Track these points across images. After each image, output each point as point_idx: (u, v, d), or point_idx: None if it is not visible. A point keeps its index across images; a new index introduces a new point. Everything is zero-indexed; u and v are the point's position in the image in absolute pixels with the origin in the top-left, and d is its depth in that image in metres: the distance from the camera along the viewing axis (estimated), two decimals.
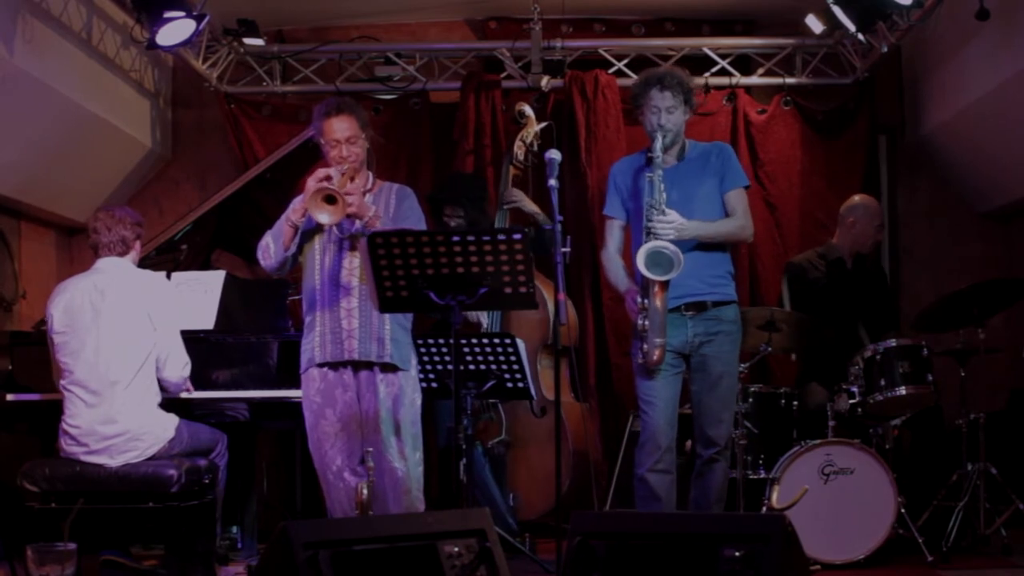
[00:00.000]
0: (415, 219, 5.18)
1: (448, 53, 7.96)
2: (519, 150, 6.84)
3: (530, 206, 6.72)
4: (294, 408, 5.30)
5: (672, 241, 5.15)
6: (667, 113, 5.27)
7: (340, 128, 5.08)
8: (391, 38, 8.02)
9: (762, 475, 6.06)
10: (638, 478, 5.27)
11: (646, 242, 5.16)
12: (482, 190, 6.91)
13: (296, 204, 5.05)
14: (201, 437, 5.38)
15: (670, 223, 5.18)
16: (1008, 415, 7.36)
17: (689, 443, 5.62)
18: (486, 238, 4.42)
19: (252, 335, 5.86)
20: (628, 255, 5.47)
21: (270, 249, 5.12)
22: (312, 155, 5.66)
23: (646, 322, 5.15)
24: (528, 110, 6.94)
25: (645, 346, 5.17)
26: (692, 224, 5.24)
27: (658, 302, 5.12)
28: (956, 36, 7.06)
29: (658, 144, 5.23)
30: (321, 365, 5.08)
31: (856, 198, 6.83)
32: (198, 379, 5.56)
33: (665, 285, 5.12)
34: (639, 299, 5.18)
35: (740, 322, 5.44)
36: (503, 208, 6.75)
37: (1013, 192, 7.51)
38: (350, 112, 5.13)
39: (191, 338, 5.53)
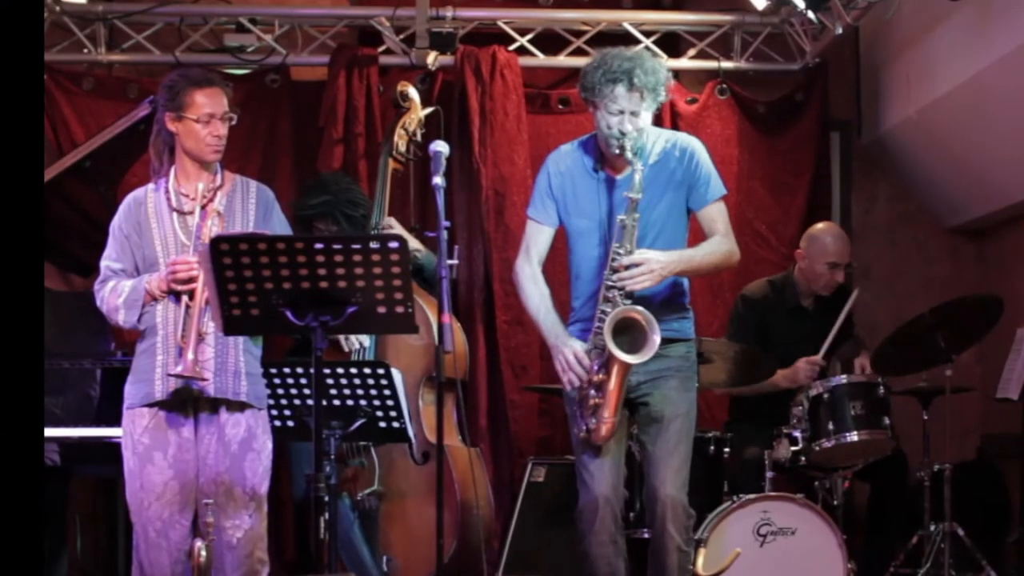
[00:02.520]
0: (283, 232, 5.19)
1: (314, 20, 7.97)
2: (400, 140, 6.83)
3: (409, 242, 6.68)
4: (117, 450, 5.26)
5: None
6: (632, 117, 5.05)
7: (216, 102, 5.07)
8: (245, 0, 8.01)
9: None
10: (580, 553, 5.26)
11: (607, 296, 5.00)
12: (360, 196, 6.82)
13: (156, 281, 5.01)
14: None
15: (647, 272, 4.95)
16: (978, 466, 7.54)
17: None
18: (356, 246, 4.42)
19: (66, 360, 5.80)
20: (558, 275, 5.40)
21: (120, 315, 5.06)
22: (143, 141, 5.62)
23: (599, 396, 5.01)
24: (412, 91, 6.96)
25: (593, 421, 5.05)
26: (672, 262, 5.02)
27: (617, 377, 4.97)
28: (923, 18, 7.21)
29: (637, 177, 4.97)
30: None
31: (816, 227, 6.93)
32: None
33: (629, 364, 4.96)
34: (592, 367, 5.01)
35: (694, 361, 5.34)
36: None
37: (987, 203, 7.67)
38: (221, 87, 5.13)
39: None
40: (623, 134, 5.02)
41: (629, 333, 4.94)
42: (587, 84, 5.13)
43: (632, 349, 4.92)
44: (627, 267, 4.97)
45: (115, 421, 5.36)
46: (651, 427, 5.18)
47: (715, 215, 5.23)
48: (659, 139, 5.26)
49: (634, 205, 5.00)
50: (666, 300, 5.21)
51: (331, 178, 6.96)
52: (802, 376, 6.48)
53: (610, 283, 5.01)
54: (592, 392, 5.03)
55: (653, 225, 5.14)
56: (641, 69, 5.03)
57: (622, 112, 5.04)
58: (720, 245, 5.19)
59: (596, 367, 5.02)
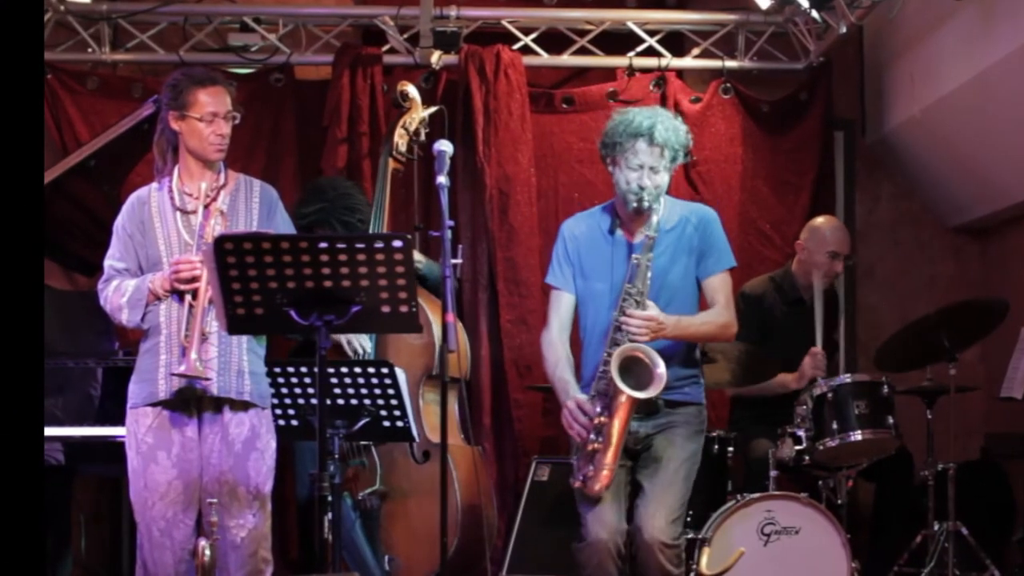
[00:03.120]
0: (286, 231, 5.19)
1: (318, 19, 7.96)
2: (401, 139, 6.81)
3: None
4: (120, 449, 5.26)
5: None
6: (651, 173, 5.11)
7: (219, 101, 5.08)
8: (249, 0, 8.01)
9: (690, 535, 6.11)
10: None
11: (616, 338, 5.03)
12: (357, 201, 6.79)
13: (160, 280, 5.01)
14: None
15: (646, 323, 5.00)
16: (982, 466, 7.53)
17: None
18: (360, 245, 4.42)
19: (70, 359, 5.80)
20: (575, 338, 5.40)
21: (123, 314, 5.07)
22: (147, 140, 5.63)
23: (600, 439, 5.01)
24: (412, 91, 6.94)
25: (591, 469, 5.04)
26: (671, 323, 5.07)
27: (619, 420, 4.97)
28: (927, 17, 7.21)
29: (654, 218, 5.06)
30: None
31: (817, 219, 6.97)
32: None
33: (634, 401, 4.97)
34: (597, 409, 5.02)
35: (704, 420, 5.36)
36: None
37: (991, 202, 7.67)
38: (225, 86, 5.15)
39: None
40: (641, 188, 5.08)
41: (633, 374, 4.95)
42: (608, 140, 5.22)
43: (637, 389, 4.94)
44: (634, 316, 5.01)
45: (119, 420, 5.37)
46: (649, 467, 5.20)
47: (718, 286, 5.29)
48: (675, 207, 5.34)
49: (650, 244, 5.06)
50: (679, 364, 5.24)
51: (327, 184, 6.90)
52: (808, 370, 6.49)
53: (618, 324, 5.05)
54: (592, 436, 5.03)
55: (667, 288, 5.20)
56: (663, 125, 5.12)
57: (641, 167, 5.10)
58: (718, 316, 5.26)
59: (599, 409, 5.03)
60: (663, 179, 5.14)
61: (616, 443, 5.01)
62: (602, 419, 5.00)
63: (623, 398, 4.94)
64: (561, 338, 5.33)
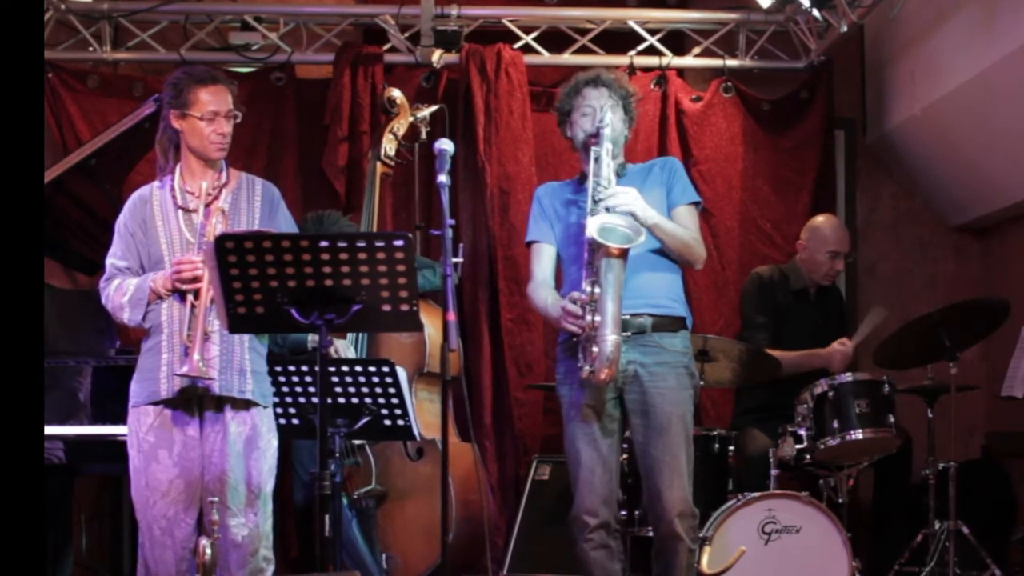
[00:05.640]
0: (288, 230, 5.19)
1: (319, 19, 7.96)
2: (389, 144, 6.83)
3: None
4: (122, 448, 5.26)
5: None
6: (603, 114, 5.19)
7: (220, 100, 5.08)
8: None
9: None
10: (575, 556, 5.26)
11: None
12: None
13: (161, 280, 5.00)
14: None
15: (627, 194, 5.06)
16: (982, 464, 7.53)
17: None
18: (360, 244, 4.42)
19: (70, 358, 5.80)
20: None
21: (124, 313, 5.06)
22: (148, 138, 5.63)
23: (596, 317, 4.92)
24: (399, 96, 6.95)
25: (594, 350, 4.93)
26: (652, 212, 5.12)
27: (612, 289, 4.90)
28: (929, 15, 7.21)
29: (606, 116, 5.16)
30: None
31: (816, 218, 6.99)
32: None
33: (623, 254, 4.93)
34: (584, 288, 4.96)
35: (691, 356, 5.31)
36: None
37: (992, 201, 7.66)
38: (226, 85, 5.14)
39: None
40: (597, 121, 5.18)
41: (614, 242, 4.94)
42: (559, 106, 5.42)
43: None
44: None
45: (120, 419, 5.37)
46: (650, 430, 5.16)
47: (685, 215, 5.33)
48: (641, 165, 5.52)
49: (604, 134, 5.13)
50: (665, 288, 5.25)
51: (330, 220, 6.73)
52: (837, 364, 6.52)
53: (593, 211, 5.06)
54: (588, 319, 4.96)
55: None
56: (603, 74, 5.36)
57: (591, 108, 5.24)
58: (689, 231, 5.28)
59: (588, 288, 4.96)
60: (617, 122, 5.25)
61: (612, 312, 4.92)
62: (595, 293, 4.94)
63: (613, 250, 4.90)
64: (547, 284, 5.35)
